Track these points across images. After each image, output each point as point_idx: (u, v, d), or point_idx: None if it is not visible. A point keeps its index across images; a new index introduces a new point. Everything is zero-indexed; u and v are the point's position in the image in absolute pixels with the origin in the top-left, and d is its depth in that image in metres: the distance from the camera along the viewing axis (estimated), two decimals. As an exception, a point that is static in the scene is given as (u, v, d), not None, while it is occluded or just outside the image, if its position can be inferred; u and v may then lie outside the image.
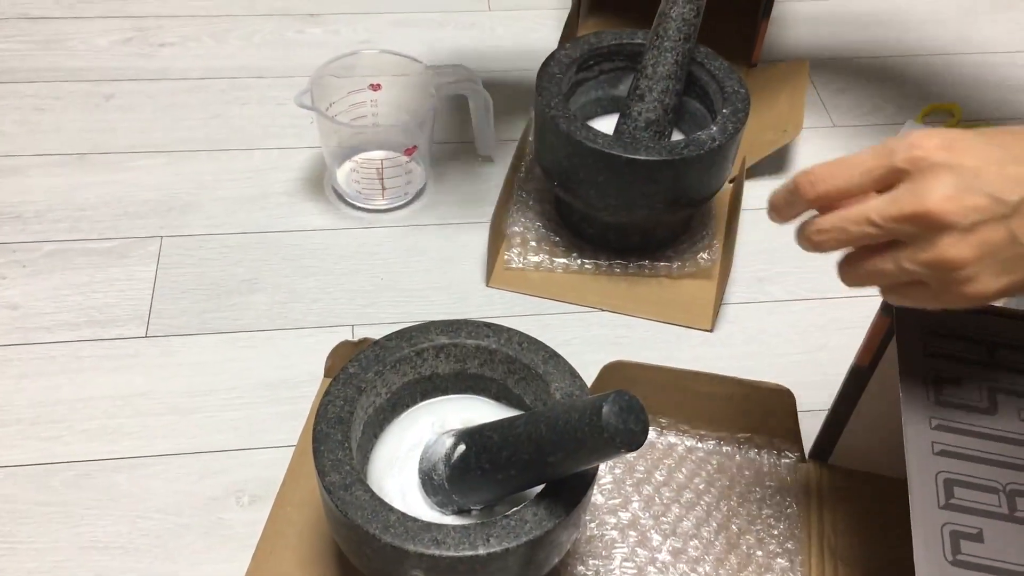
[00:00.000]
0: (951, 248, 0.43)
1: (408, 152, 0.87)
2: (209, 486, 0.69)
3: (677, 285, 0.84)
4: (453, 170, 0.93)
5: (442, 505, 0.59)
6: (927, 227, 0.43)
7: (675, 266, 0.84)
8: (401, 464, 0.61)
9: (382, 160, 0.87)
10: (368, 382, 0.59)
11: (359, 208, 0.89)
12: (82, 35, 1.05)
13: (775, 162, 0.94)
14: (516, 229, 0.86)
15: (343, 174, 0.90)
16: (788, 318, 0.82)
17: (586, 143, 0.75)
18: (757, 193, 0.92)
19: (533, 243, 0.85)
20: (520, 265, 0.84)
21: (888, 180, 0.44)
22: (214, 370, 0.76)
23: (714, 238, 0.87)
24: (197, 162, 0.93)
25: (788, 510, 0.67)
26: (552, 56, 0.83)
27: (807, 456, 0.71)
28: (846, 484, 0.69)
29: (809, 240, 0.47)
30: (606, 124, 0.86)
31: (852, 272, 0.48)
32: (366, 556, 0.54)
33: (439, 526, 0.52)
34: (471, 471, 0.56)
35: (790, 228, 0.91)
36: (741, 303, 0.83)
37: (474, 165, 0.94)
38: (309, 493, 0.67)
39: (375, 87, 0.89)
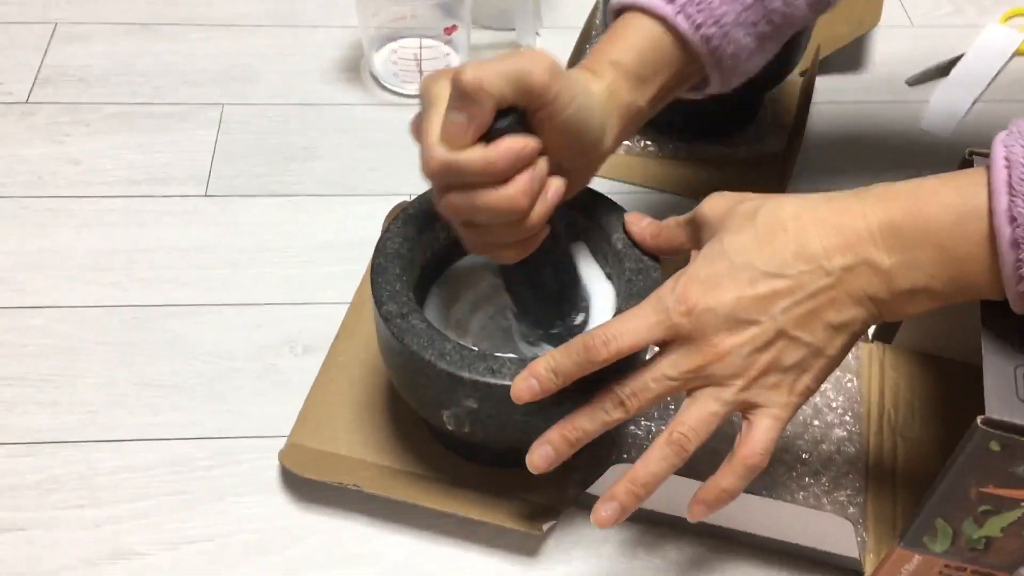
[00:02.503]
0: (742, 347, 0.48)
1: (448, 31, 0.85)
2: (263, 335, 0.69)
3: (742, 171, 0.82)
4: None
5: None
6: (720, 359, 0.48)
7: (740, 151, 0.82)
8: (458, 314, 0.60)
9: (420, 41, 0.85)
10: (427, 223, 0.59)
11: (394, 93, 0.87)
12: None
13: (849, 57, 0.92)
14: (579, 111, 0.85)
15: (380, 58, 0.88)
16: (855, 209, 0.80)
17: (657, 12, 0.73)
18: (829, 86, 0.90)
19: (595, 125, 0.84)
20: (581, 145, 0.83)
21: (670, 333, 0.49)
22: (271, 230, 0.76)
23: (782, 128, 0.84)
24: (259, 36, 0.92)
25: (848, 384, 0.65)
26: (624, -70, 0.81)
27: (871, 338, 0.69)
28: (909, 365, 0.67)
29: (624, 407, 0.50)
30: (676, 5, 0.84)
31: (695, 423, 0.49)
32: (420, 386, 0.54)
33: (495, 356, 0.52)
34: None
35: (859, 122, 0.88)
36: (808, 192, 0.81)
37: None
38: (362, 346, 0.66)
39: None
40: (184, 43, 0.91)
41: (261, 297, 0.71)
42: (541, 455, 0.50)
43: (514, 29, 0.92)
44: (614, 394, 0.50)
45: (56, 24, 0.92)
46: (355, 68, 0.90)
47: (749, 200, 0.51)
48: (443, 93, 0.48)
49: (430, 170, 0.48)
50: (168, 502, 0.60)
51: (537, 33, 0.94)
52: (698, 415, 0.49)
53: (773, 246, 0.48)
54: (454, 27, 0.85)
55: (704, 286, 0.48)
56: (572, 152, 0.51)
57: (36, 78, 0.86)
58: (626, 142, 0.83)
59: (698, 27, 0.55)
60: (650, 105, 0.57)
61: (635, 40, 0.56)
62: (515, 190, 0.48)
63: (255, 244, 0.75)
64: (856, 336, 0.49)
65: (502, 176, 0.47)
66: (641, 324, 0.49)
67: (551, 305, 0.57)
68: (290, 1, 0.96)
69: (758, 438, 0.49)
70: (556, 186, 0.50)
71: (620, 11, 0.58)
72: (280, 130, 0.84)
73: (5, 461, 0.61)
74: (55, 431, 0.63)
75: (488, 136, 0.47)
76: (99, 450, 0.62)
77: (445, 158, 0.47)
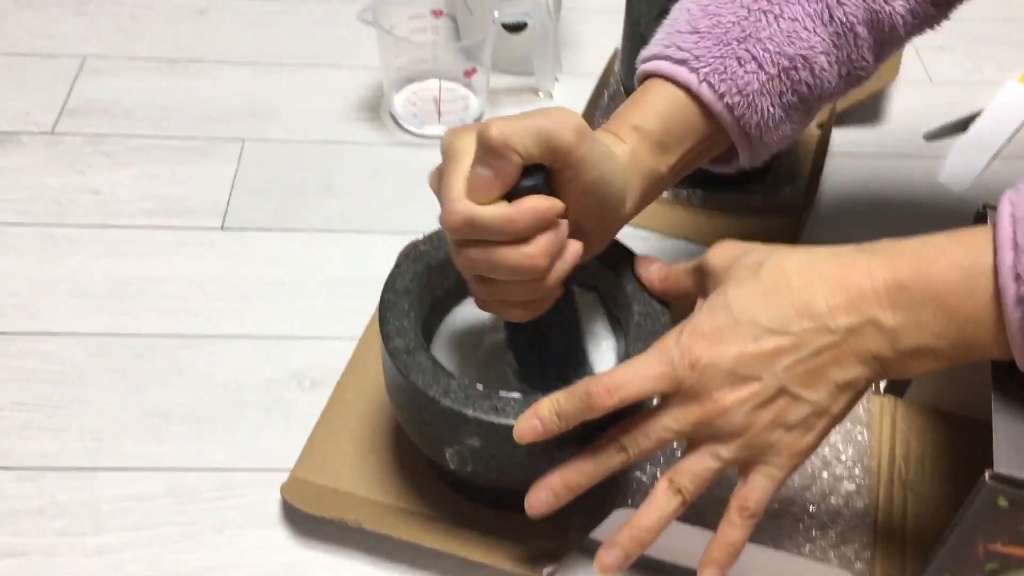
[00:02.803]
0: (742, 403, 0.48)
1: (468, 74, 0.86)
2: (272, 368, 0.69)
3: (758, 220, 0.82)
4: (510, 102, 0.92)
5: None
6: (721, 415, 0.48)
7: (756, 200, 0.82)
8: (464, 351, 0.60)
9: (440, 83, 0.86)
10: (439, 260, 0.59)
11: (412, 133, 0.88)
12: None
13: (867, 110, 0.92)
14: (595, 156, 0.85)
15: (400, 99, 0.89)
16: (870, 261, 0.80)
17: (674, 60, 0.74)
18: (846, 139, 0.90)
19: (611, 170, 0.84)
20: (597, 190, 0.83)
21: (673, 385, 0.48)
22: (285, 264, 0.76)
23: (798, 178, 0.84)
24: (282, 75, 0.94)
25: (858, 437, 0.65)
26: (644, -21, 0.82)
27: (883, 392, 0.68)
28: (921, 420, 0.66)
29: (625, 453, 0.50)
30: (695, 54, 0.84)
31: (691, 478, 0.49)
32: (424, 422, 0.54)
33: (499, 395, 0.52)
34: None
35: (875, 176, 0.88)
36: (822, 243, 0.81)
37: (532, 99, 0.93)
38: (370, 383, 0.66)
39: (436, 13, 0.88)
40: (208, 79, 0.93)
41: (272, 330, 0.71)
42: (541, 500, 0.50)
43: (533, 74, 0.93)
44: (616, 441, 0.50)
45: (85, 58, 0.93)
46: (375, 108, 0.91)
47: (755, 251, 0.51)
48: (467, 148, 0.48)
49: (450, 224, 0.47)
50: (169, 532, 0.59)
51: (556, 78, 0.95)
52: (694, 468, 0.49)
53: (777, 301, 0.48)
54: (474, 70, 0.86)
55: (708, 340, 0.48)
56: (592, 215, 0.51)
57: (63, 109, 0.88)
58: (641, 188, 0.83)
59: (721, 96, 0.55)
60: (671, 172, 0.57)
61: (659, 107, 0.55)
62: (535, 250, 0.47)
63: (269, 277, 0.75)
64: (860, 394, 0.49)
65: (523, 235, 0.47)
66: (647, 374, 0.48)
67: (553, 367, 0.57)
68: (313, 41, 0.98)
69: (751, 497, 0.49)
70: (574, 249, 0.50)
71: (645, 77, 0.57)
72: (298, 166, 0.85)
73: (10, 485, 0.61)
74: (60, 457, 0.63)
75: (513, 194, 0.47)
76: (103, 478, 0.62)
77: (467, 213, 0.46)
